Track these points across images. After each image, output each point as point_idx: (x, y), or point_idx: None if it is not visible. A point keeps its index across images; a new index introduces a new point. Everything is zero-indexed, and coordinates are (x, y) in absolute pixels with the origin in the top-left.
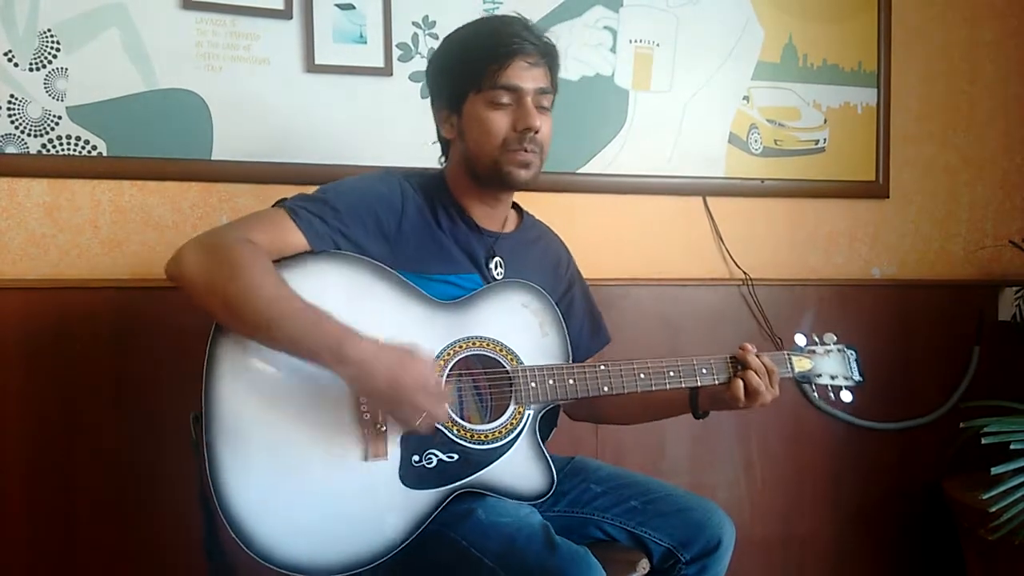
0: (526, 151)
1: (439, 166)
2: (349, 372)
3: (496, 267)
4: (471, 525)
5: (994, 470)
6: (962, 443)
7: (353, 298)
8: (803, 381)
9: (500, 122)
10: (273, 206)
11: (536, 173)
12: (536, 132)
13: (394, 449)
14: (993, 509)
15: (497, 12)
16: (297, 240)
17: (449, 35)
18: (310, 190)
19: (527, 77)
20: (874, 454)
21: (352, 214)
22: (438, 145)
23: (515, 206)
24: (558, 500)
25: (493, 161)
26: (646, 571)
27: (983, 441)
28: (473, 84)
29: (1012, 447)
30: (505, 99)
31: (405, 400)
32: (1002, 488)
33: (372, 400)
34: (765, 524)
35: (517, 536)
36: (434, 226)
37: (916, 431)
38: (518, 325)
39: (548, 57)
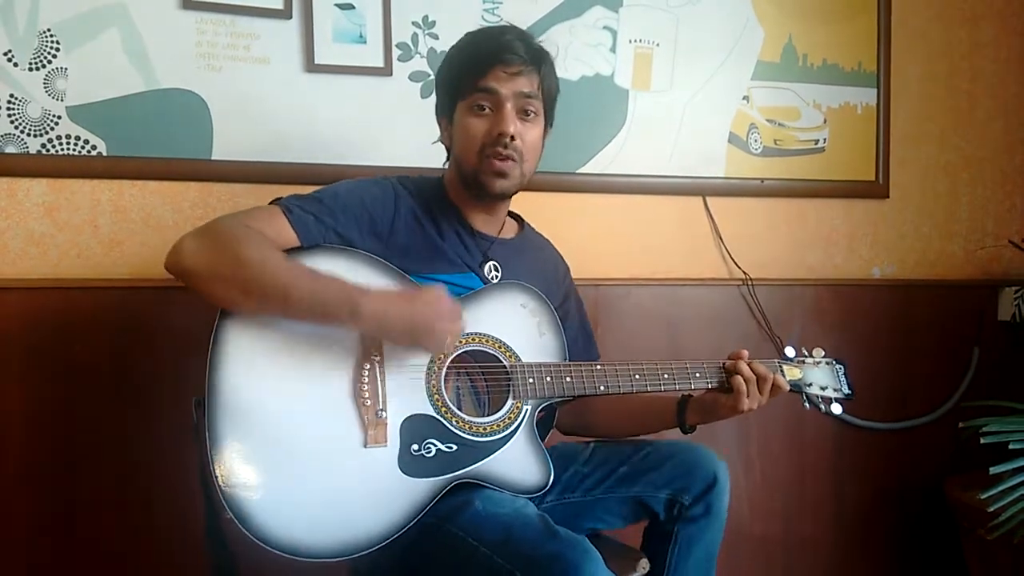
0: (500, 158)
1: (443, 168)
2: (368, 325)
3: (491, 271)
4: (469, 516)
5: (992, 470)
6: (962, 443)
7: None
8: (795, 390)
9: (478, 128)
10: (269, 204)
11: (516, 182)
12: (511, 138)
13: (393, 437)
14: (992, 508)
15: (497, 12)
16: (289, 237)
17: (452, 46)
18: (309, 190)
19: (506, 83)
20: (874, 454)
21: (346, 214)
22: (437, 146)
23: (517, 217)
24: (550, 489)
25: (473, 168)
26: (646, 571)
27: (982, 441)
28: (458, 93)
29: (1011, 447)
30: (485, 105)
31: (424, 332)
32: (1001, 488)
33: (398, 344)
34: (766, 524)
35: (514, 525)
36: (429, 228)
37: (916, 431)
38: (516, 324)
39: (535, 65)
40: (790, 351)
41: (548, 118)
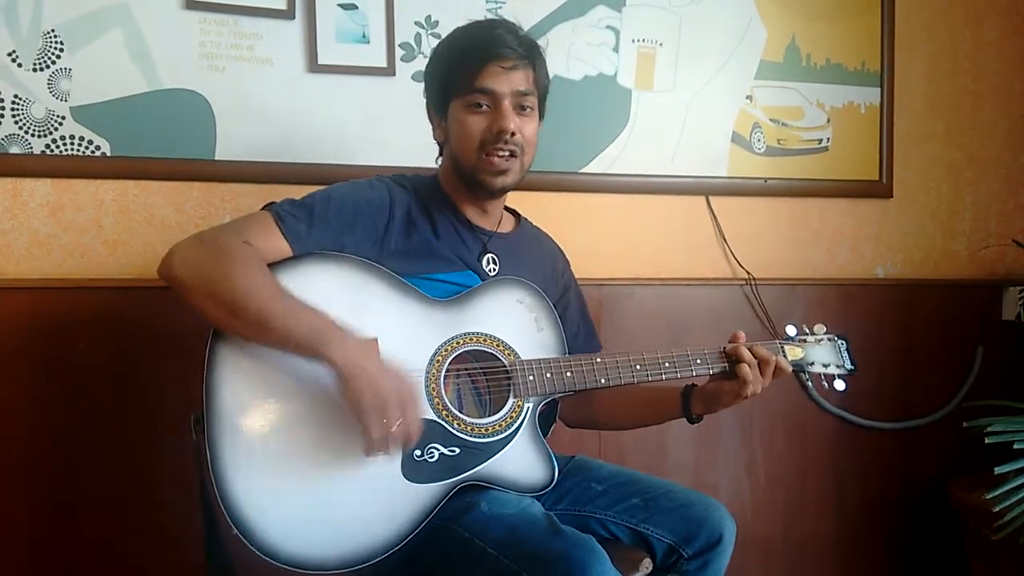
0: (500, 155)
1: (436, 167)
2: (340, 363)
3: (489, 264)
4: (474, 517)
5: (997, 470)
6: (965, 443)
7: (353, 297)
8: (796, 370)
9: (477, 125)
10: (261, 210)
11: (515, 178)
12: (512, 135)
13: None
14: (996, 509)
15: (500, 11)
16: (281, 246)
17: (440, 41)
18: (311, 190)
19: (503, 80)
20: (877, 454)
21: (339, 220)
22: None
23: (513, 212)
24: (560, 499)
25: (472, 166)
26: (648, 571)
27: (986, 441)
28: (453, 90)
29: (1015, 447)
30: (482, 102)
31: (385, 401)
32: (1005, 488)
33: (352, 394)
34: (768, 524)
35: (519, 524)
36: (425, 227)
37: (920, 431)
38: (514, 321)
39: (529, 59)
40: (791, 329)
41: (541, 111)
